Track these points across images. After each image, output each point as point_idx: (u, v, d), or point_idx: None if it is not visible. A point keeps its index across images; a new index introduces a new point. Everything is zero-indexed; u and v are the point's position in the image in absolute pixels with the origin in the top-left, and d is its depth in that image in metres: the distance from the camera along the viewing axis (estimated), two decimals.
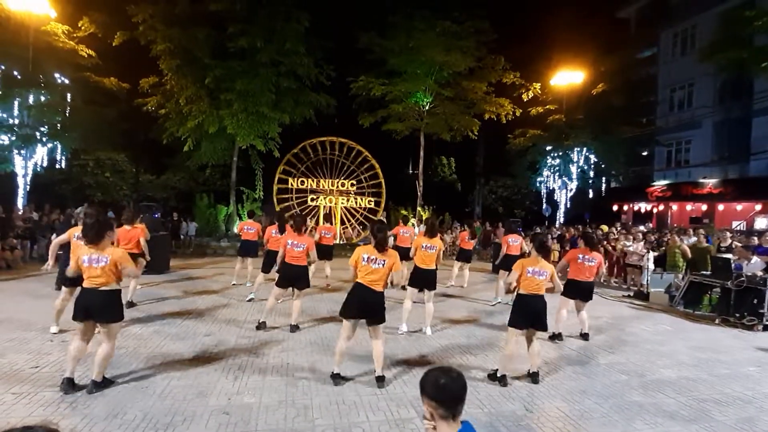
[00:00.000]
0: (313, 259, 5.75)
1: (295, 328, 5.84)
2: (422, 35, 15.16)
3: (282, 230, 7.11)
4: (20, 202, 13.78)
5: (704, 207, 18.65)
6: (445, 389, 1.50)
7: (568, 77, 18.48)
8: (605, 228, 13.36)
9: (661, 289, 9.08)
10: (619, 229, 13.38)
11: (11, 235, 10.52)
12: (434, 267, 6.04)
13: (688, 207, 19.63)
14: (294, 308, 5.86)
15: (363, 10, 17.87)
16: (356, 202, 18.24)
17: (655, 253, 10.05)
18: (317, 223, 10.44)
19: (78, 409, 3.50)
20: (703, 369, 5.13)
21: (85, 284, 3.84)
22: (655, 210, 21.17)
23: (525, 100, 17.82)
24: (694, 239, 10.03)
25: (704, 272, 8.41)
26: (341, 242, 16.49)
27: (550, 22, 21.41)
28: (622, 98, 19.06)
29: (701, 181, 18.64)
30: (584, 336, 6.10)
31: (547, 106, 19.36)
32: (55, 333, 5.29)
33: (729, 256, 8.22)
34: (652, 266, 9.65)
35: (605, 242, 11.37)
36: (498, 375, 4.38)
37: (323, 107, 16.63)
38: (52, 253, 5.43)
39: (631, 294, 9.70)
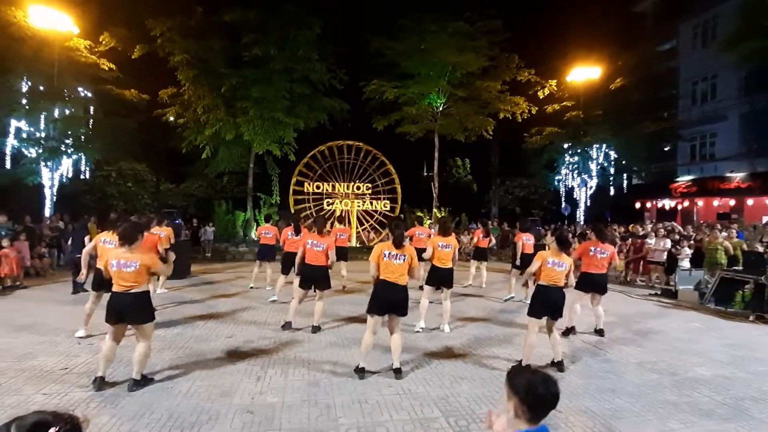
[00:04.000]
0: (332, 260, 5.74)
1: (317, 329, 5.85)
2: (434, 37, 15.14)
3: (297, 231, 7.15)
4: (47, 213, 14.23)
5: (732, 202, 17.96)
6: (542, 399, 1.49)
7: (585, 73, 18.12)
8: (640, 228, 12.95)
9: (690, 287, 8.76)
10: (644, 225, 12.93)
11: (40, 244, 10.87)
12: (451, 266, 6.01)
13: (715, 203, 18.93)
14: (316, 309, 5.90)
15: (373, 15, 17.99)
16: (372, 205, 18.25)
17: (692, 250, 9.71)
18: (332, 225, 10.44)
19: (106, 408, 3.56)
20: (738, 367, 4.91)
21: (114, 288, 3.93)
22: (679, 207, 20.52)
23: (541, 97, 17.58)
24: (725, 234, 9.65)
25: (736, 268, 8.09)
26: (358, 245, 16.51)
27: (564, 17, 21.10)
28: (642, 93, 18.59)
29: (728, 175, 17.99)
30: (599, 332, 5.99)
31: (564, 103, 19.00)
32: (81, 337, 5.36)
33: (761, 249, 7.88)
34: (688, 264, 9.34)
35: (630, 239, 11.06)
36: (522, 365, 4.46)
37: (337, 112, 16.74)
38: (85, 263, 5.57)
39: (658, 292, 9.39)
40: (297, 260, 5.85)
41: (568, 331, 5.92)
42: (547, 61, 18.02)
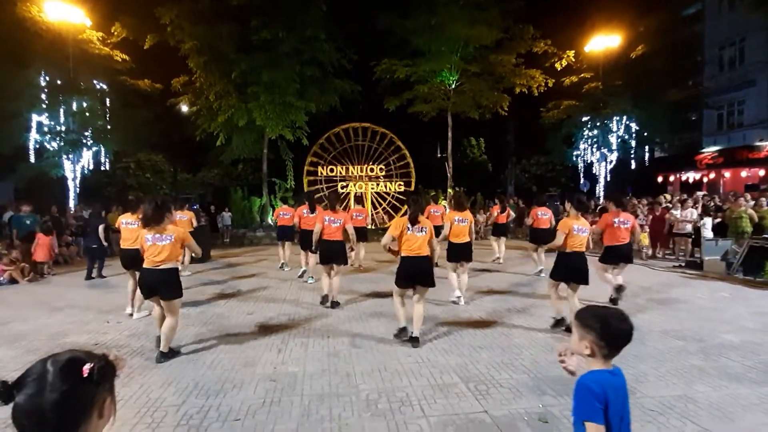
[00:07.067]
0: (351, 235, 5.79)
1: (336, 304, 5.92)
2: (445, 10, 14.67)
3: (312, 210, 7.19)
4: (71, 204, 14.67)
5: (762, 172, 17.20)
6: (618, 332, 1.46)
7: (604, 42, 17.29)
8: (668, 196, 12.57)
9: (717, 257, 8.49)
10: (668, 198, 12.52)
11: (66, 233, 11.26)
12: (468, 240, 5.99)
13: (743, 173, 18.17)
14: (333, 285, 5.95)
15: None
16: (386, 187, 18.20)
17: (717, 220, 9.39)
18: (347, 207, 10.46)
19: (135, 379, 3.69)
20: None
21: (146, 265, 4.04)
22: (705, 179, 19.79)
23: (558, 69, 16.92)
24: (752, 203, 9.28)
25: (767, 236, 7.78)
26: (372, 227, 16.54)
27: None
28: (665, 60, 17.69)
29: (758, 144, 17.20)
30: (614, 300, 5.84)
31: (582, 75, 18.20)
32: (131, 315, 5.52)
33: None
34: (710, 234, 9.06)
35: (652, 207, 10.73)
36: (558, 318, 4.81)
37: (347, 94, 16.57)
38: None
39: (683, 264, 9.13)
40: (315, 237, 5.90)
41: (614, 301, 5.80)
42: (565, 31, 17.19)
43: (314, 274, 7.66)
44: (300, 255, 8.00)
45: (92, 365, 0.95)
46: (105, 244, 8.08)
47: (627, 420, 1.45)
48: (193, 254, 5.09)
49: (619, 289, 5.80)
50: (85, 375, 0.93)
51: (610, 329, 1.44)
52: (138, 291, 5.33)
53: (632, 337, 1.47)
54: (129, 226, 5.36)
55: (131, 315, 5.53)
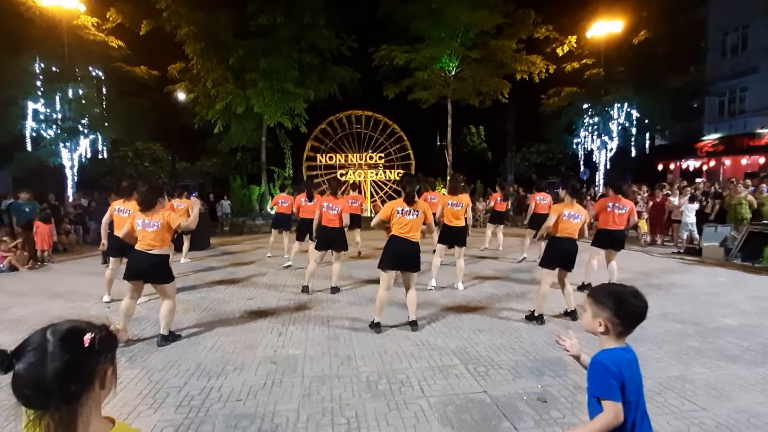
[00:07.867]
0: (346, 223, 5.75)
1: (335, 290, 5.95)
2: None
3: (311, 198, 7.16)
4: (70, 192, 14.61)
5: (762, 160, 17.13)
6: (633, 309, 1.45)
7: (606, 27, 17.07)
8: (666, 185, 12.60)
9: (716, 243, 8.51)
10: (674, 184, 12.51)
11: (65, 221, 11.23)
12: (463, 224, 5.99)
13: (744, 161, 18.11)
14: (333, 271, 5.97)
15: None
16: (385, 175, 18.14)
17: (710, 206, 9.43)
18: (343, 194, 10.43)
19: (137, 362, 3.72)
20: (766, 317, 4.79)
21: (138, 246, 4.03)
22: (705, 167, 19.73)
23: (559, 55, 16.72)
24: (751, 189, 9.28)
25: (765, 222, 7.79)
26: (372, 215, 16.54)
27: None
28: (668, 46, 17.44)
29: (759, 131, 17.08)
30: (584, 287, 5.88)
31: (584, 61, 18.02)
32: (107, 302, 5.56)
33: None
34: (692, 219, 9.11)
35: (658, 195, 10.74)
36: (535, 314, 4.60)
37: (347, 81, 16.41)
38: (104, 233, 5.71)
39: (681, 251, 9.16)
40: (315, 224, 5.90)
41: (584, 287, 5.84)
42: (566, 16, 16.91)
43: (293, 261, 7.81)
44: (293, 244, 7.91)
45: (93, 335, 0.94)
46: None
47: (642, 403, 1.44)
48: (187, 228, 4.89)
49: (586, 287, 5.77)
50: (87, 345, 0.92)
51: (625, 306, 1.43)
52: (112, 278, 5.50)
53: (646, 315, 1.46)
54: (121, 213, 5.27)
55: (108, 302, 5.55)
